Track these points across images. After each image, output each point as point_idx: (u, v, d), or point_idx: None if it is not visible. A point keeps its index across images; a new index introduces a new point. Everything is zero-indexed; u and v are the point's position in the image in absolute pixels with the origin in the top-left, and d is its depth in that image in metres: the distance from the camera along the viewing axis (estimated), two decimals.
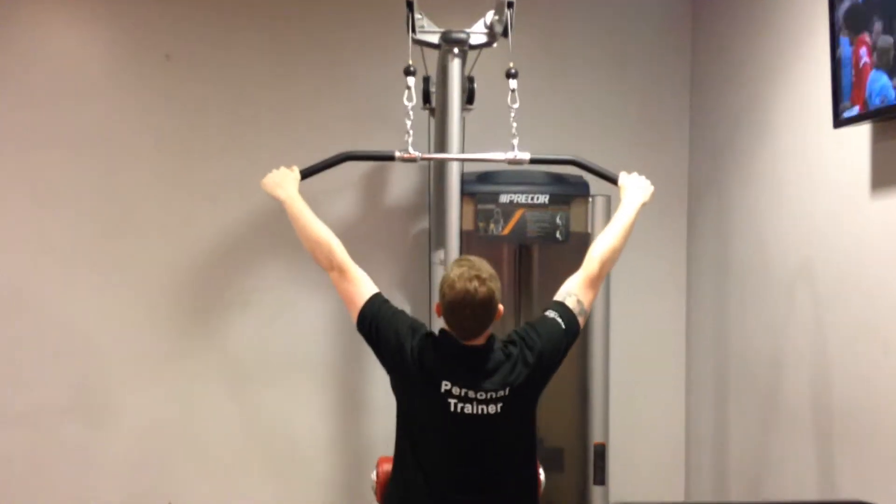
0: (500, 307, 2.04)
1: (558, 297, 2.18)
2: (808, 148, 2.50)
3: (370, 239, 3.28)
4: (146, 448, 3.20)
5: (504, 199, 2.93)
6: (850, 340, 2.25)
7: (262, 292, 3.27)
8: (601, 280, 2.23)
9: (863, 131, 2.17)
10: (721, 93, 3.19)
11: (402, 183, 3.34)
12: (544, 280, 3.21)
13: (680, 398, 3.48)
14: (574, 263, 3.10)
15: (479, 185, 2.95)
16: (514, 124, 2.49)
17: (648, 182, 2.44)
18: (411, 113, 2.44)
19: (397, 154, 2.46)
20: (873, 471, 2.14)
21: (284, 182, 2.33)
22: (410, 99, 2.44)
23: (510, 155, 2.51)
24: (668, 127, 3.47)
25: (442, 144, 2.78)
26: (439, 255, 2.78)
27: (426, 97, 2.90)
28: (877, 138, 2.13)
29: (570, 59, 3.45)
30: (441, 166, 2.77)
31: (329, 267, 2.19)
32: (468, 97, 2.86)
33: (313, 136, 3.25)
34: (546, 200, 2.94)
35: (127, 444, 3.19)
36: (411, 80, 2.45)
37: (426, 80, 2.91)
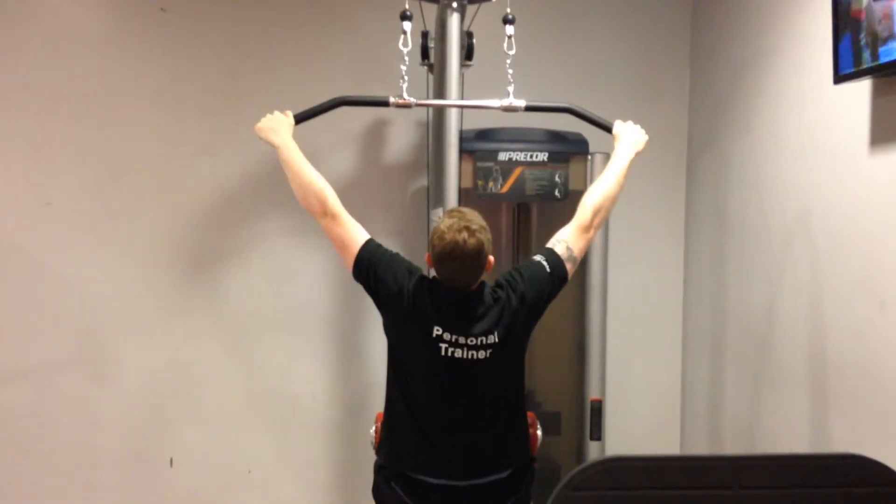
0: (491, 259, 2.05)
1: (549, 243, 2.20)
2: (808, 104, 2.49)
3: (368, 196, 3.28)
4: (147, 404, 3.24)
5: (503, 156, 2.92)
6: (846, 295, 2.27)
7: (261, 247, 3.27)
8: (595, 228, 2.23)
9: (863, 87, 2.16)
10: (722, 44, 3.16)
11: (400, 140, 3.33)
12: (543, 238, 3.17)
13: (677, 352, 3.51)
14: None
15: (478, 143, 2.93)
16: (510, 71, 2.48)
17: (643, 131, 2.44)
18: (407, 58, 2.43)
19: (392, 99, 2.46)
20: (866, 425, 2.17)
21: (279, 127, 2.31)
22: (406, 44, 2.43)
23: (505, 102, 2.51)
24: (667, 78, 3.44)
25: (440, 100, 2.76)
26: (438, 212, 2.77)
27: (424, 52, 2.87)
28: (877, 93, 2.12)
29: (568, 10, 3.41)
30: (439, 123, 2.76)
31: (321, 212, 2.17)
32: (467, 53, 2.83)
33: (311, 89, 3.20)
34: (545, 158, 2.93)
35: (128, 399, 3.22)
36: (407, 25, 2.44)
37: (424, 35, 2.87)
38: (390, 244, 3.23)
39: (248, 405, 3.30)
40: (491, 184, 2.92)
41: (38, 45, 3.12)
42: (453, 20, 2.64)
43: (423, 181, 3.28)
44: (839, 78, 2.16)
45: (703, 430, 3.30)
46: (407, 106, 2.47)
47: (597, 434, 3.00)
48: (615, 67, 3.41)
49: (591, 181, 2.96)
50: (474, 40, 2.86)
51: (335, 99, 2.48)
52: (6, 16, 3.09)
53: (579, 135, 3.03)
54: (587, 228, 2.20)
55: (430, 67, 2.89)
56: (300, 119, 2.39)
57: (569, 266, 2.16)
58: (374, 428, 2.30)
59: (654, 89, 3.43)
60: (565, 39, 3.40)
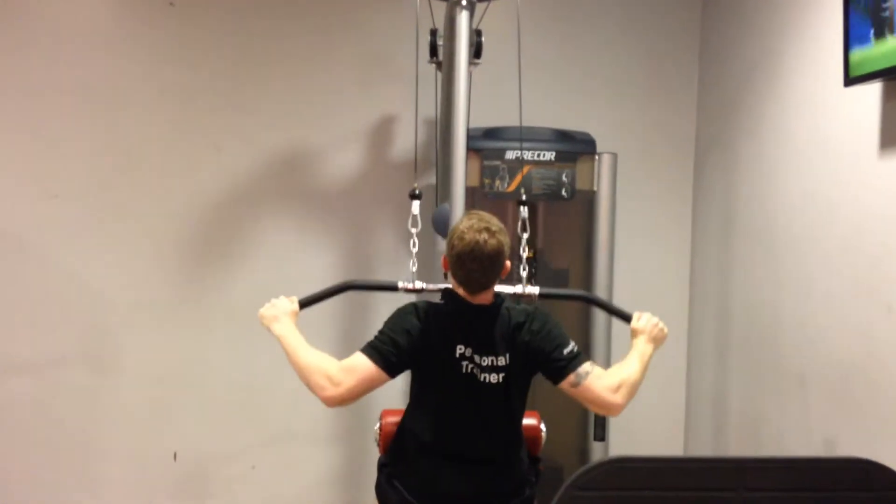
0: (507, 263, 2.04)
1: (590, 361, 2.05)
2: (818, 106, 2.48)
3: (375, 194, 3.28)
4: (151, 398, 3.25)
5: (510, 155, 2.92)
6: (852, 299, 2.26)
7: (267, 242, 3.28)
8: (611, 405, 2.03)
9: (874, 90, 2.15)
10: (731, 46, 3.15)
11: (408, 138, 3.32)
12: (549, 238, 3.22)
13: (682, 353, 3.50)
14: (579, 221, 3.12)
15: (485, 141, 2.93)
16: (525, 237, 2.46)
17: (661, 324, 2.24)
18: (416, 240, 2.35)
19: (400, 284, 2.30)
20: (872, 428, 2.16)
21: (281, 315, 2.22)
22: (416, 225, 2.37)
23: (519, 288, 2.29)
24: (676, 80, 3.44)
25: (449, 99, 2.75)
26: (445, 209, 2.77)
27: (433, 50, 2.87)
28: (888, 97, 2.11)
29: (579, 12, 3.40)
30: (447, 121, 2.75)
31: (334, 389, 2.01)
32: (476, 51, 2.82)
33: (318, 85, 3.24)
34: (552, 157, 2.93)
35: (132, 394, 3.23)
36: (416, 206, 2.38)
37: (433, 32, 2.87)
38: (397, 243, 3.28)
39: (252, 400, 3.30)
40: (498, 182, 2.92)
41: (46, 38, 3.12)
42: (462, 18, 2.63)
43: (430, 179, 3.28)
44: (849, 80, 2.15)
45: (708, 431, 3.30)
46: (415, 291, 2.30)
47: (601, 435, 3.00)
48: (625, 69, 3.41)
49: (598, 181, 2.97)
50: (483, 38, 2.86)
51: (342, 283, 2.37)
52: (16, 9, 3.10)
53: (587, 134, 3.03)
54: (607, 389, 2.01)
55: (439, 65, 2.89)
56: (305, 304, 2.29)
57: (571, 378, 2.00)
58: (378, 425, 2.30)
59: (663, 91, 3.42)
60: (576, 42, 3.40)
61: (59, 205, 3.15)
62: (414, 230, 2.35)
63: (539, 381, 2.14)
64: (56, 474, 3.20)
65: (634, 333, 2.22)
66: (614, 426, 3.14)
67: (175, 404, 3.26)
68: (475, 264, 1.97)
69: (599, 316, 3.04)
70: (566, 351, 2.02)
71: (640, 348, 2.17)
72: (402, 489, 2.10)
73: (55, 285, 3.17)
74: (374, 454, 2.30)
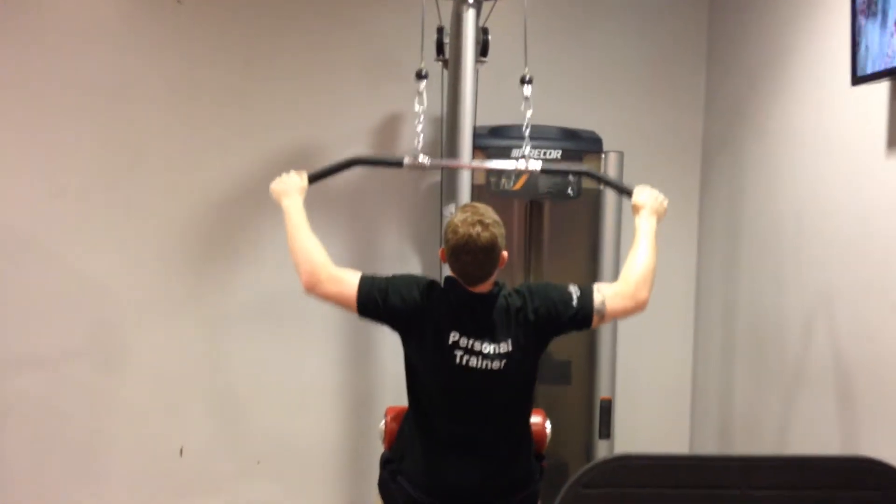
0: (504, 253, 2.04)
1: (591, 284, 2.11)
2: (825, 105, 2.48)
3: (381, 192, 3.28)
4: (157, 393, 3.26)
5: (516, 153, 2.91)
6: (858, 297, 2.26)
7: (274, 238, 3.26)
8: (639, 302, 2.11)
9: (881, 89, 2.14)
10: (738, 46, 3.15)
11: (414, 135, 3.32)
12: (555, 236, 3.22)
13: (688, 352, 3.50)
14: (585, 220, 3.12)
15: (492, 140, 2.93)
16: (527, 130, 2.45)
17: (661, 195, 2.32)
18: (422, 117, 2.41)
19: (406, 161, 2.40)
20: (877, 426, 2.16)
21: (290, 190, 2.29)
22: (422, 103, 2.43)
23: (522, 164, 2.43)
24: (683, 79, 3.43)
25: (455, 97, 2.75)
26: (450, 209, 2.77)
27: (440, 48, 2.87)
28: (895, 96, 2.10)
29: (586, 10, 3.40)
30: (453, 119, 2.75)
31: (310, 282, 2.11)
32: (482, 49, 2.83)
33: (325, 83, 3.24)
34: (558, 156, 2.93)
35: (139, 389, 3.24)
36: (422, 85, 2.43)
37: (440, 30, 2.87)
38: (402, 240, 3.29)
39: (259, 396, 3.32)
40: (504, 180, 2.92)
41: (54, 34, 3.14)
42: (469, 16, 2.64)
43: (435, 177, 3.28)
44: (857, 79, 2.15)
45: (713, 429, 3.29)
46: (421, 167, 2.42)
47: (606, 432, 3.00)
48: (632, 68, 3.40)
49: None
50: (489, 37, 2.86)
51: (349, 159, 2.44)
52: (22, 4, 3.11)
53: (593, 133, 3.02)
54: (628, 297, 2.10)
55: (445, 63, 2.89)
56: (313, 179, 2.35)
57: (595, 317, 2.07)
58: (383, 422, 2.31)
59: (670, 90, 3.42)
60: (583, 40, 3.39)
61: (66, 201, 3.17)
62: (420, 108, 2.43)
63: (541, 380, 2.14)
64: (62, 469, 3.21)
65: (636, 209, 2.30)
66: (619, 424, 3.15)
67: (181, 400, 3.28)
68: (469, 257, 1.99)
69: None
70: (575, 302, 2.05)
71: (645, 228, 2.24)
72: (407, 485, 2.11)
73: (62, 282, 3.18)
74: (380, 451, 2.31)
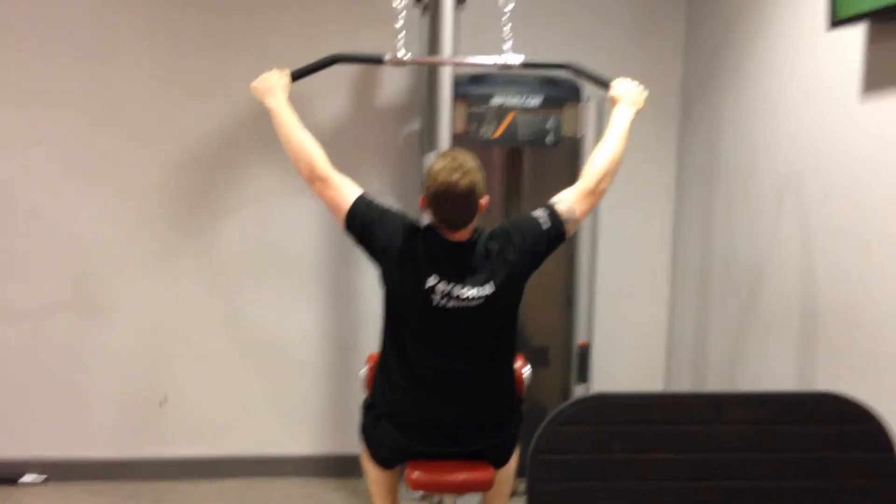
0: (484, 199, 2.06)
1: (552, 199, 2.19)
2: (802, 50, 2.48)
3: (360, 140, 3.27)
4: (139, 343, 3.27)
5: (496, 101, 2.91)
6: (833, 243, 2.30)
7: (253, 190, 3.28)
8: (600, 193, 2.20)
9: (857, 33, 2.15)
10: None
11: (393, 83, 3.30)
12: (534, 183, 3.23)
13: (664, 299, 3.55)
14: (564, 167, 3.13)
15: (472, 88, 2.92)
16: (507, 26, 2.45)
17: (641, 87, 2.39)
18: (403, 13, 2.41)
19: (387, 57, 2.44)
20: (849, 366, 2.22)
21: (274, 88, 2.29)
22: None
23: (502, 59, 2.48)
24: (662, 30, 3.41)
25: (434, 44, 2.73)
26: (430, 157, 2.77)
27: None
28: (872, 38, 2.11)
29: None
30: (433, 68, 2.74)
31: (310, 177, 2.17)
32: None
33: (303, 35, 3.20)
34: (538, 104, 2.92)
35: (120, 339, 3.26)
36: None
37: None
38: (383, 189, 3.29)
39: (241, 346, 3.34)
40: (484, 128, 2.92)
41: None
42: None
43: (415, 125, 3.27)
44: (834, 23, 2.15)
45: (688, 375, 3.37)
46: (402, 63, 2.45)
47: (583, 376, 3.05)
48: (611, 14, 3.38)
49: (584, 127, 2.97)
50: None
51: (330, 56, 2.48)
52: None
53: (572, 81, 3.01)
54: (592, 192, 2.19)
55: (425, 9, 2.85)
56: (297, 76, 2.37)
57: (568, 227, 2.15)
58: (364, 369, 2.34)
59: (649, 37, 3.40)
60: None
61: (44, 152, 3.13)
62: (397, 4, 2.47)
63: (527, 328, 2.18)
64: (46, 420, 3.24)
65: (614, 101, 2.37)
66: (597, 369, 3.21)
67: (163, 350, 3.29)
68: (449, 203, 2.01)
69: (584, 260, 3.06)
70: (544, 225, 2.12)
71: (618, 118, 2.31)
72: (388, 428, 2.15)
73: (41, 233, 3.17)
74: (361, 396, 2.34)
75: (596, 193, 2.20)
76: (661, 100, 3.38)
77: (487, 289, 2.05)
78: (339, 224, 2.15)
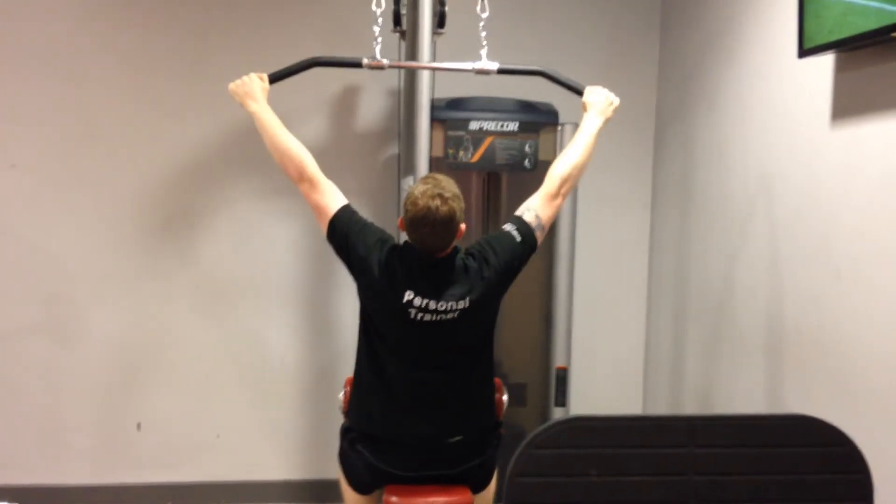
0: (463, 226, 2.08)
1: (518, 212, 2.23)
2: (773, 77, 2.53)
3: (339, 163, 3.27)
4: (114, 368, 3.24)
5: (474, 125, 2.93)
6: (803, 265, 2.33)
7: (232, 211, 3.27)
8: (562, 196, 2.27)
9: (826, 61, 2.20)
10: (691, 18, 3.19)
11: (371, 107, 3.32)
12: (512, 208, 3.19)
13: (641, 321, 3.58)
14: None
15: (449, 112, 2.94)
16: (483, 33, 2.50)
17: (613, 95, 2.44)
18: (380, 19, 2.45)
19: (365, 61, 2.49)
20: (820, 388, 2.24)
21: (254, 92, 2.31)
22: (379, 5, 2.48)
23: (479, 65, 2.53)
24: (638, 48, 3.47)
25: (411, 72, 2.76)
26: (408, 181, 2.79)
27: (396, 19, 2.86)
28: (840, 67, 2.16)
29: None
30: (411, 91, 2.76)
31: (299, 179, 2.20)
32: (439, 20, 2.83)
33: (280, 55, 3.18)
34: (515, 128, 2.95)
35: (95, 364, 3.22)
36: None
37: (397, 0, 2.87)
38: (361, 211, 3.27)
39: (218, 370, 3.31)
40: (461, 153, 2.94)
41: (4, 5, 3.05)
42: None
43: (393, 149, 3.29)
44: (804, 52, 2.20)
45: (665, 397, 3.38)
46: (380, 67, 2.50)
47: (561, 400, 3.06)
48: (587, 40, 3.43)
49: (561, 151, 3.00)
50: (447, 8, 2.86)
51: (309, 59, 2.51)
52: None
53: (550, 105, 3.05)
54: (554, 196, 2.24)
55: (403, 34, 2.88)
56: (274, 79, 2.41)
57: (538, 234, 2.20)
58: (342, 392, 2.33)
59: (624, 62, 3.46)
60: (537, 11, 3.40)
61: (17, 175, 3.10)
62: (378, 10, 2.51)
63: (504, 352, 2.18)
64: (19, 445, 3.18)
65: (584, 107, 2.42)
66: (575, 392, 3.22)
67: (139, 375, 3.26)
68: (427, 229, 2.02)
69: (561, 283, 3.08)
70: (518, 238, 2.16)
71: (586, 125, 2.36)
72: (366, 452, 2.13)
73: (14, 255, 3.13)
74: (340, 421, 2.33)
75: (558, 197, 2.25)
76: (635, 120, 3.44)
77: (463, 304, 2.06)
78: (322, 229, 2.17)
